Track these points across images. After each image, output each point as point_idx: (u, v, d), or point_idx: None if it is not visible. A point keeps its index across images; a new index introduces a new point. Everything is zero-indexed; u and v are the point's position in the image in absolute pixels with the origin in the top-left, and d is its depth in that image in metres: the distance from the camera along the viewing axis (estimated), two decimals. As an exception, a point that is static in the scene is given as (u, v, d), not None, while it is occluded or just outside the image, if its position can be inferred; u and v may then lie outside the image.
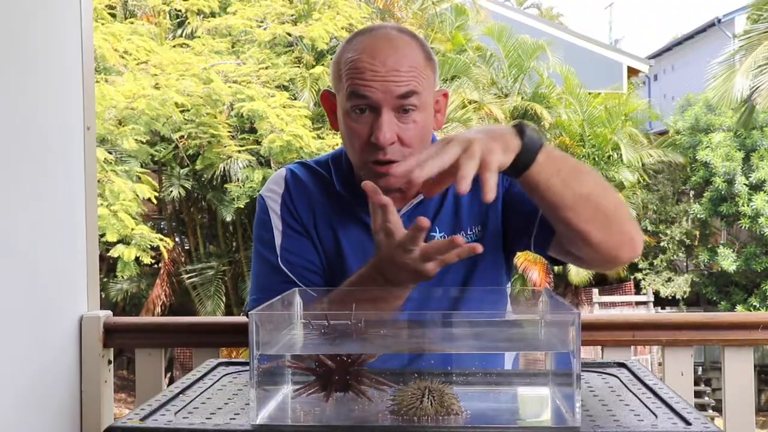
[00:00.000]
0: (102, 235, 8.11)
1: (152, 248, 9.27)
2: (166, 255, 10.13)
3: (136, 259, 8.97)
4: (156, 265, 10.79)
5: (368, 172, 1.29)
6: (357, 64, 1.26)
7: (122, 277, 10.30)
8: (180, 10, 10.30)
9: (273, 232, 1.37)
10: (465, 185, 1.01)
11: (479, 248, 1.08)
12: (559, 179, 1.14)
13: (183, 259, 11.45)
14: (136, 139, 8.59)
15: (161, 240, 9.24)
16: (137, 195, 8.57)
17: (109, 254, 8.92)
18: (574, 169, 1.17)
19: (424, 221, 1.05)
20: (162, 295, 10.67)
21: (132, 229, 8.47)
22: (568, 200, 1.15)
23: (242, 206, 9.82)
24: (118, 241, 8.67)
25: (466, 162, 1.02)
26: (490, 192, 1.02)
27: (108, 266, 10.33)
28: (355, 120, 1.27)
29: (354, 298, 1.14)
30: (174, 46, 9.60)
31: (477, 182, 1.05)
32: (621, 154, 13.59)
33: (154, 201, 9.53)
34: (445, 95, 1.37)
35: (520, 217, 1.32)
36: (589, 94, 14.50)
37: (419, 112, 1.27)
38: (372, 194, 1.11)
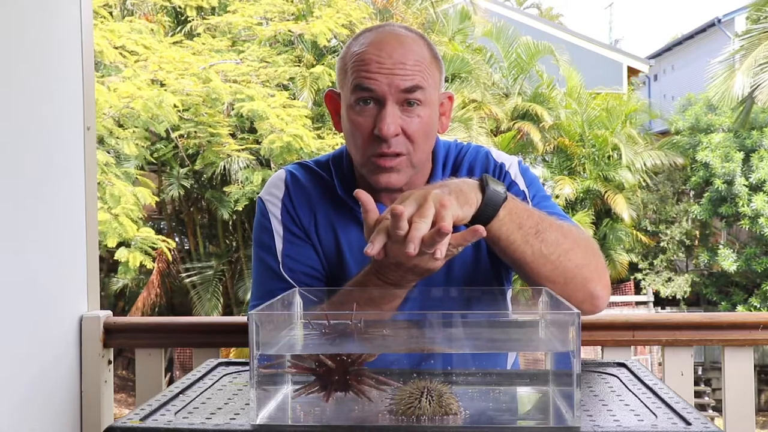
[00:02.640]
0: (102, 239, 8.07)
1: (153, 248, 9.25)
2: (169, 256, 10.12)
3: (140, 263, 8.93)
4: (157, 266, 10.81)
5: (370, 168, 1.28)
6: (363, 56, 1.26)
7: (123, 279, 10.30)
8: (181, 7, 10.28)
9: (274, 238, 1.36)
10: (413, 248, 1.00)
11: (482, 230, 1.06)
12: (520, 235, 1.15)
13: (181, 259, 11.46)
14: (135, 144, 8.58)
15: (164, 241, 9.21)
16: (138, 200, 8.53)
17: (114, 258, 8.88)
18: (538, 225, 1.17)
19: (447, 227, 1.01)
20: (153, 295, 10.67)
21: (134, 235, 8.43)
22: (528, 257, 1.17)
23: (241, 209, 9.81)
24: (120, 244, 8.63)
25: (417, 223, 1.01)
26: (439, 253, 1.02)
27: (108, 266, 10.33)
28: (359, 113, 1.26)
29: (353, 299, 1.14)
30: (174, 43, 9.59)
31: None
32: (621, 155, 13.61)
33: (153, 204, 9.51)
34: (451, 98, 1.37)
35: None
36: (590, 94, 14.51)
37: (424, 108, 1.27)
38: (367, 203, 1.08)
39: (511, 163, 1.41)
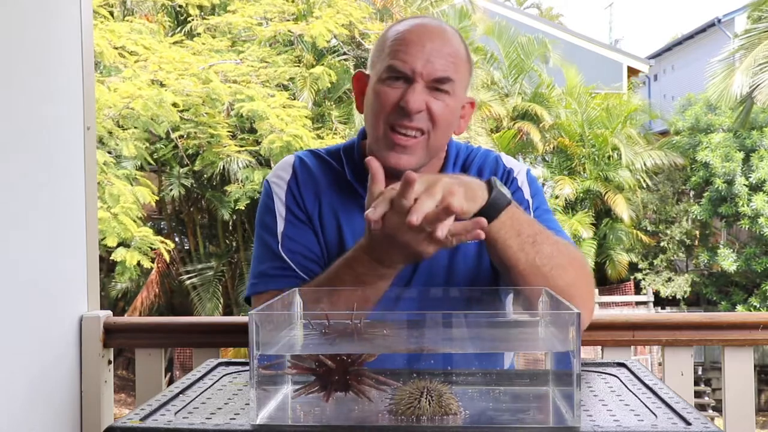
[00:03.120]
0: (102, 239, 8.06)
1: (151, 248, 9.23)
2: (167, 257, 10.11)
3: (138, 262, 8.92)
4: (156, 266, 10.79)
5: (385, 144, 1.29)
6: (404, 36, 1.30)
7: (121, 281, 10.28)
8: (181, 6, 10.27)
9: (276, 218, 1.38)
10: (416, 218, 1.02)
11: (483, 222, 1.07)
12: (517, 242, 1.17)
13: (180, 259, 11.45)
14: (134, 145, 8.57)
15: (162, 242, 9.21)
16: (137, 199, 8.52)
17: (111, 258, 8.87)
18: (537, 235, 1.19)
19: (456, 208, 1.04)
20: (151, 295, 10.66)
21: (132, 234, 8.41)
22: (521, 264, 1.18)
23: (243, 208, 9.81)
24: (119, 244, 8.62)
25: (423, 198, 1.04)
26: (440, 231, 1.03)
27: (108, 266, 10.33)
28: (389, 86, 1.29)
29: (339, 278, 1.18)
30: (174, 43, 9.58)
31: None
32: (621, 155, 13.60)
33: (153, 204, 9.50)
34: (472, 104, 1.39)
35: None
36: (590, 94, 14.51)
37: (451, 98, 1.30)
38: (377, 173, 1.11)
39: (520, 171, 1.43)
